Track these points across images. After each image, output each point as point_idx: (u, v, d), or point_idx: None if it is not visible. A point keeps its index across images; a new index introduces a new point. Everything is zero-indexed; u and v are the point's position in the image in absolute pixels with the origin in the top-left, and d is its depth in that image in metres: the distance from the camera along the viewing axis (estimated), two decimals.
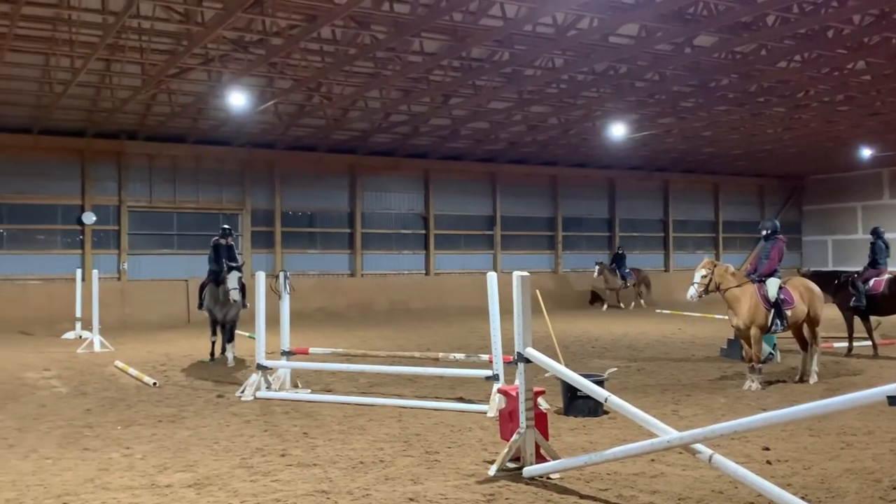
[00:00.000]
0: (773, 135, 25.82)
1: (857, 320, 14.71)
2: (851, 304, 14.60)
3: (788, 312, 11.07)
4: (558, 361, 7.90)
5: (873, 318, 14.71)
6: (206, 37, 14.22)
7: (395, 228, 28.10)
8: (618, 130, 22.91)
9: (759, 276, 11.17)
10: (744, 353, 12.21)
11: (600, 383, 8.00)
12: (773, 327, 10.96)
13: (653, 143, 26.46)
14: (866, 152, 28.68)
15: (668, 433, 5.78)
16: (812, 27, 14.67)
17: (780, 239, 11.57)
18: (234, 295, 13.44)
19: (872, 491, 6.06)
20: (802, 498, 5.36)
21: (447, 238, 28.97)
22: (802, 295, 11.35)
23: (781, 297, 10.98)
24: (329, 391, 10.99)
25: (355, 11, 13.51)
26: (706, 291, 10.96)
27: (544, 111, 21.77)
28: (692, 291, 10.91)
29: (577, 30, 14.59)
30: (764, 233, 11.76)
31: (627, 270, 28.50)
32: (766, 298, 10.88)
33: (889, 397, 4.42)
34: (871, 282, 14.59)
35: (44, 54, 16.47)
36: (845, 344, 14.61)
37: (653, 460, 6.90)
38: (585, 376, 7.33)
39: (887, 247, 15.34)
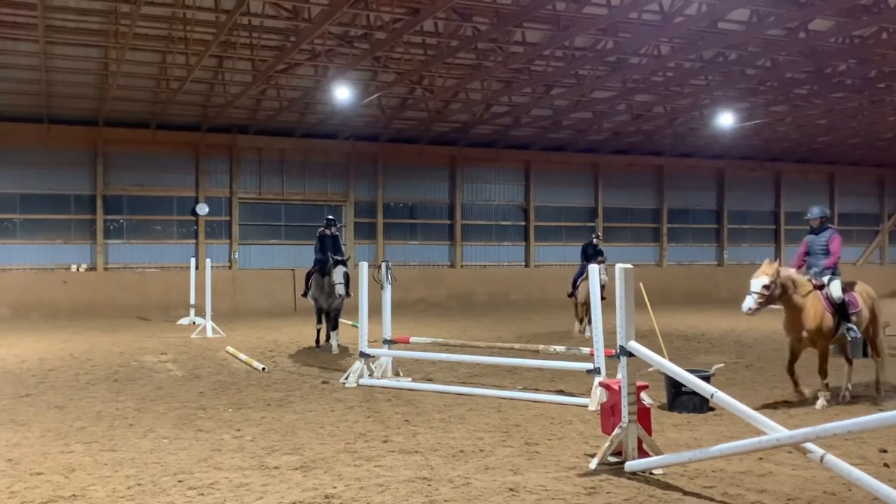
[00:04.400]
0: (894, 122, 24.46)
1: None
2: None
3: (854, 318, 9.43)
4: (662, 356, 7.75)
5: None
6: (313, 32, 14.57)
7: (494, 220, 28.12)
8: (727, 119, 22.19)
9: (822, 273, 9.48)
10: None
11: (706, 379, 7.79)
12: (850, 334, 9.37)
13: (764, 131, 25.53)
14: None
15: (777, 431, 5.59)
16: None
17: (834, 229, 9.88)
18: (340, 290, 13.74)
19: None
20: None
21: (547, 230, 28.78)
22: (865, 300, 9.77)
23: (847, 299, 9.40)
24: (429, 380, 11.12)
25: (458, 3, 13.58)
26: (768, 302, 9.09)
27: (649, 100, 21.31)
28: (750, 303, 8.92)
29: (684, 16, 14.21)
30: (815, 223, 9.81)
31: None
32: (830, 302, 9.29)
33: None
34: None
35: (161, 52, 17.27)
36: None
37: (761, 459, 6.69)
38: (691, 372, 7.17)
39: None
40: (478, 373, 11.63)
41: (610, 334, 7.77)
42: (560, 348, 10.51)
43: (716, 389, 6.25)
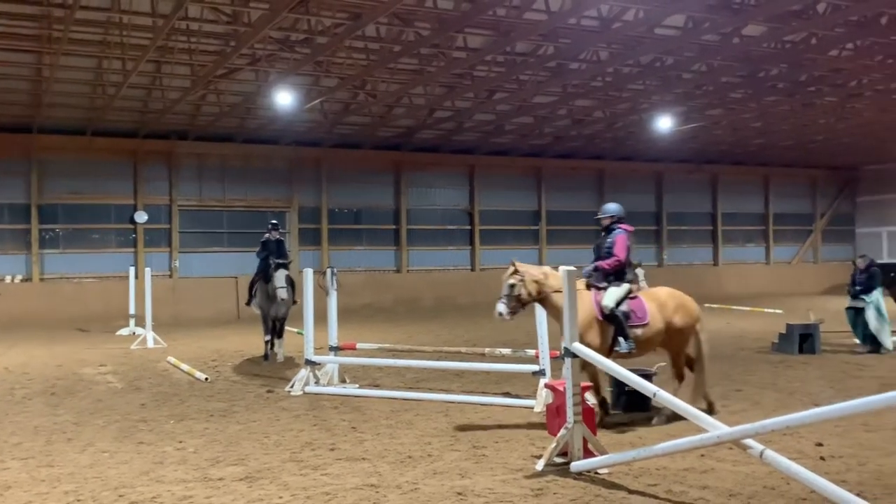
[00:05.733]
0: (825, 125, 25.27)
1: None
2: None
3: (639, 331, 8.35)
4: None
5: None
6: (253, 37, 14.42)
7: (440, 224, 28.18)
8: (664, 123, 22.65)
9: (593, 275, 8.59)
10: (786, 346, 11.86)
11: (648, 378, 7.92)
12: (617, 348, 8.31)
13: (701, 135, 26.10)
14: None
15: (718, 428, 5.71)
16: (864, 14, 14.33)
17: (624, 229, 8.78)
18: (282, 293, 13.47)
19: None
20: (857, 495, 5.24)
21: (492, 233, 28.95)
22: (662, 310, 8.58)
23: (628, 308, 8.37)
24: (377, 386, 11.08)
25: (399, 9, 13.59)
26: (521, 305, 8.26)
27: (590, 105, 21.62)
28: (500, 308, 8.13)
29: (622, 22, 14.47)
30: (605, 221, 8.92)
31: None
32: (601, 308, 8.28)
33: None
34: None
35: (96, 57, 16.88)
36: None
37: (703, 455, 6.83)
38: (633, 371, 7.28)
39: None
40: (425, 377, 11.63)
41: (555, 336, 7.85)
42: (506, 351, 10.57)
43: (658, 388, 6.37)
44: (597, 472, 6.41)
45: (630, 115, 22.83)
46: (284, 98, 18.31)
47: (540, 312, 9.07)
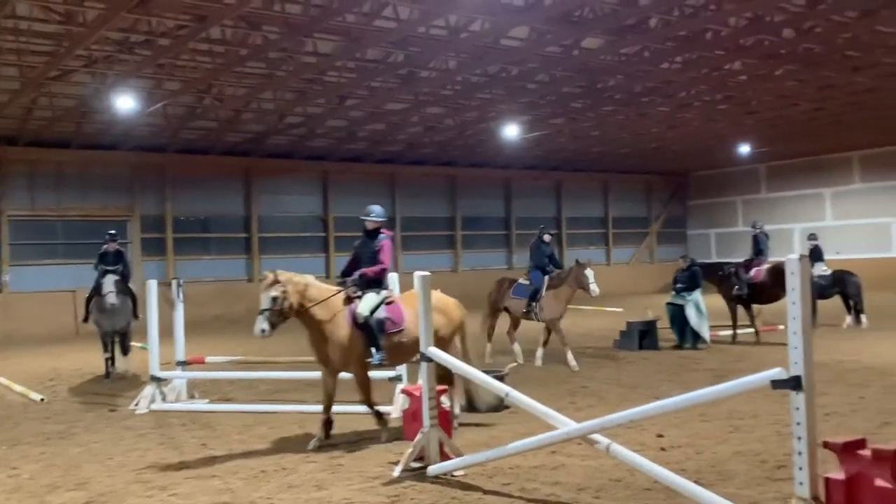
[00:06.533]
0: (658, 133, 26.83)
1: (740, 309, 15.46)
2: (734, 293, 15.37)
3: (394, 339, 8.02)
4: (460, 359, 7.99)
5: (755, 307, 15.49)
6: (89, 38, 13.67)
7: (294, 232, 27.71)
8: (511, 131, 23.32)
9: (359, 282, 8.12)
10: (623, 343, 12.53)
11: (501, 379, 8.12)
12: (368, 359, 7.95)
13: (545, 143, 27.05)
14: (744, 149, 30.16)
15: (566, 425, 5.94)
16: (692, 29, 15.33)
17: (389, 235, 8.49)
18: (111, 298, 12.58)
19: (759, 472, 6.38)
20: (695, 482, 5.58)
21: (348, 240, 28.48)
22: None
23: (384, 315, 8.00)
24: (228, 400, 10.76)
25: (246, 12, 13.28)
26: (284, 319, 7.70)
27: (440, 112, 21.94)
28: (262, 324, 7.49)
29: (469, 32, 14.78)
30: (370, 225, 8.46)
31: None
32: (356, 317, 7.88)
33: (773, 381, 4.68)
34: (753, 271, 15.39)
35: None
36: (730, 332, 15.32)
37: (553, 452, 7.06)
38: (486, 373, 7.45)
39: (767, 238, 16.23)
40: (279, 389, 11.40)
41: None
42: None
43: (510, 388, 6.55)
44: (453, 475, 6.50)
45: (479, 123, 23.36)
46: (124, 102, 17.46)
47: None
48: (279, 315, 7.62)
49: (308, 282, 7.92)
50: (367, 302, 7.99)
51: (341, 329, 7.84)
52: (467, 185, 31.89)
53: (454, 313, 8.60)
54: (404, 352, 8.21)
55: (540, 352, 13.25)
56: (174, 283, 10.90)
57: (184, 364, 10.74)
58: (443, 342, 8.17)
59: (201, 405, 10.32)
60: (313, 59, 16.34)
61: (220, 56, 15.97)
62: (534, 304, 13.17)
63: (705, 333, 14.56)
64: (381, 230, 8.44)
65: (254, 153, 26.20)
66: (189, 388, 10.86)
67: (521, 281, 13.85)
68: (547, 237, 14.17)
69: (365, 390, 8.10)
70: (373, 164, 29.16)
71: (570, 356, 12.63)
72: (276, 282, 7.65)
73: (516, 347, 13.77)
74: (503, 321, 14.27)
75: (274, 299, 7.59)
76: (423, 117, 22.50)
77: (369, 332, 7.91)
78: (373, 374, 9.95)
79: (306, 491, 6.30)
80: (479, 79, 18.48)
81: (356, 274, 8.18)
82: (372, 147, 26.99)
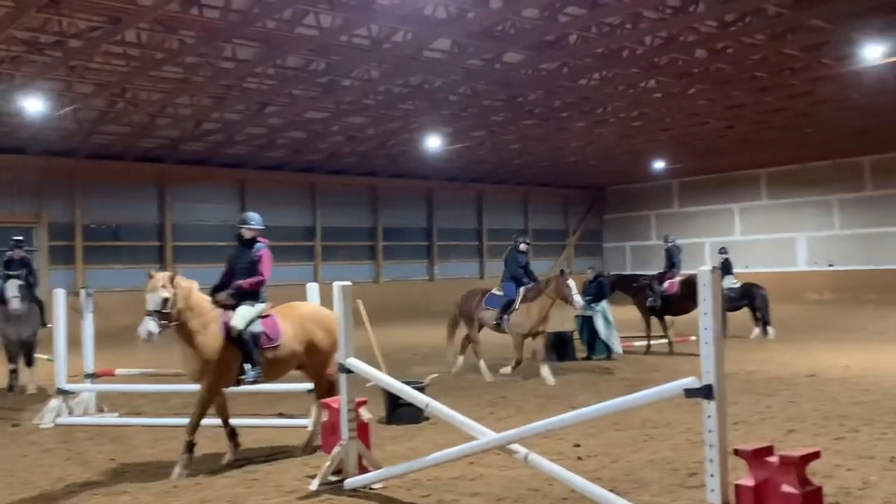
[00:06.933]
0: (576, 148, 27.37)
1: (654, 320, 15.85)
2: (648, 304, 15.76)
3: (269, 354, 7.62)
4: (381, 371, 7.94)
5: (668, 318, 15.90)
6: None
7: (209, 241, 27.01)
8: (434, 142, 23.42)
9: (237, 294, 7.64)
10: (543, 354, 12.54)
11: (421, 390, 8.10)
12: (243, 376, 7.51)
13: (467, 154, 27.25)
14: (659, 165, 31.07)
15: (486, 435, 5.95)
16: (609, 47, 15.71)
17: (267, 244, 8.07)
18: (15, 303, 12.05)
19: (672, 479, 6.53)
20: (611, 490, 5.67)
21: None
22: (299, 328, 7.87)
23: (260, 329, 7.59)
24: (139, 414, 10.41)
25: (162, 15, 12.97)
26: (169, 323, 7.20)
27: (362, 122, 21.86)
28: (150, 326, 7.04)
29: (391, 43, 14.79)
30: (247, 233, 8.01)
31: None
32: (230, 330, 7.41)
33: (686, 390, 4.80)
34: (666, 284, 15.82)
35: None
36: (644, 343, 15.69)
37: (472, 463, 7.07)
38: (407, 384, 7.42)
39: (680, 251, 16.73)
40: (192, 402, 11.06)
41: None
42: None
43: (430, 399, 6.53)
44: (371, 488, 6.44)
45: (401, 133, 23.37)
46: (33, 104, 16.79)
47: None
48: (167, 319, 7.14)
49: (193, 287, 7.49)
50: (242, 314, 7.53)
51: (214, 341, 7.35)
52: (389, 195, 31.85)
53: (331, 326, 8.00)
54: (279, 367, 7.81)
55: (545, 370, 12.29)
56: (83, 292, 10.49)
57: (92, 376, 10.34)
58: (324, 356, 7.97)
59: (110, 419, 9.96)
60: (232, 65, 16.07)
61: (134, 59, 15.53)
62: (505, 316, 12.54)
63: (615, 344, 14.84)
64: (258, 239, 8.00)
65: (169, 159, 25.55)
66: (98, 402, 10.45)
67: (494, 291, 13.08)
68: (523, 246, 13.27)
69: (203, 408, 7.45)
70: (292, 173, 28.82)
71: (544, 370, 12.12)
72: (166, 282, 7.17)
73: (460, 361, 13.18)
74: (462, 331, 13.62)
75: (165, 301, 7.11)
76: (345, 127, 22.38)
77: (244, 346, 7.46)
78: (291, 385, 9.80)
79: None
80: (402, 89, 18.50)
81: (232, 286, 7.71)
82: (292, 155, 26.67)
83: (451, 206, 33.86)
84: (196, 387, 7.71)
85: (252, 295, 7.73)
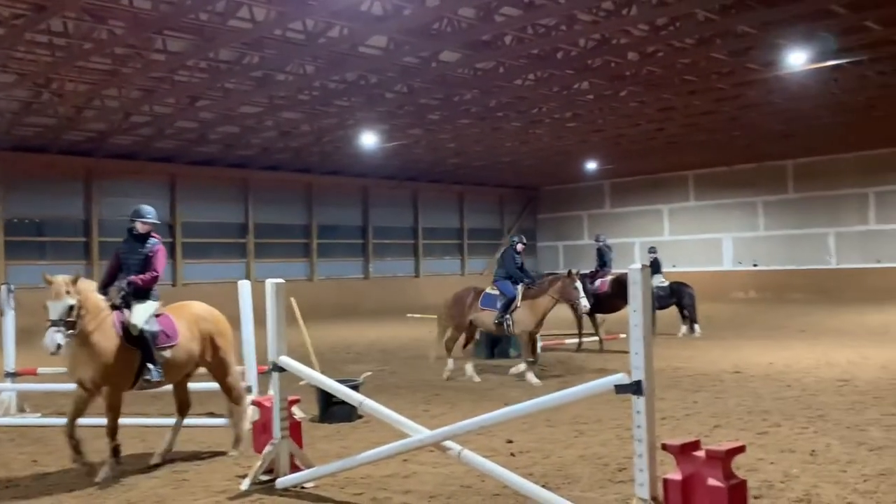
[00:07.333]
0: (511, 148, 27.58)
1: (585, 318, 16.07)
2: None
3: (168, 354, 7.27)
4: (314, 369, 7.87)
5: (599, 316, 16.15)
6: None
7: None
8: (369, 140, 23.30)
9: (128, 290, 7.22)
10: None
11: (355, 388, 8.06)
12: (147, 377, 7.14)
13: (403, 153, 27.20)
14: (591, 166, 31.55)
15: (420, 432, 5.96)
16: (544, 48, 15.88)
17: (161, 240, 7.74)
18: None
19: (602, 474, 6.64)
20: (543, 486, 5.75)
21: (197, 246, 27.79)
22: (195, 328, 7.59)
23: (158, 328, 7.21)
24: (62, 414, 10.04)
25: (89, 4, 12.61)
26: (74, 331, 6.74)
27: (297, 118, 21.60)
28: (58, 339, 6.56)
29: (327, 38, 14.65)
30: (142, 227, 7.57)
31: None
32: (128, 329, 7.03)
33: (616, 386, 4.89)
34: (597, 282, 16.07)
35: None
36: (576, 340, 15.91)
37: (405, 461, 7.06)
38: (341, 382, 7.37)
39: (611, 250, 17.01)
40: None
41: (264, 351, 7.70)
42: None
43: (364, 397, 6.50)
44: (303, 487, 6.38)
45: (337, 130, 23.18)
46: None
47: (245, 326, 8.86)
48: (73, 327, 6.66)
49: (92, 288, 7.09)
50: (140, 312, 7.13)
51: (111, 342, 6.90)
52: (324, 192, 31.60)
53: (225, 326, 7.90)
54: (178, 368, 7.45)
55: (523, 367, 12.04)
56: (4, 288, 10.16)
57: (13, 375, 10.00)
58: (222, 358, 7.78)
59: (32, 419, 9.64)
60: (162, 57, 15.70)
61: (61, 49, 15.04)
62: (507, 315, 12.12)
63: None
64: (152, 234, 7.60)
65: (96, 153, 24.82)
66: (19, 402, 10.10)
67: (488, 291, 12.59)
68: (520, 246, 12.96)
69: (116, 414, 7.05)
70: (225, 168, 28.34)
71: (530, 375, 11.77)
72: (69, 287, 6.71)
73: (469, 367, 12.42)
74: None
75: (70, 308, 6.65)
76: (279, 122, 22.09)
77: (145, 345, 7.07)
78: (210, 384, 9.60)
79: None
80: (337, 85, 18.35)
81: (125, 282, 7.26)
82: (224, 150, 26.20)
83: (386, 205, 33.78)
84: None
85: (145, 292, 7.34)
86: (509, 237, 13.11)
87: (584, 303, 12.07)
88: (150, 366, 7.11)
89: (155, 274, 7.40)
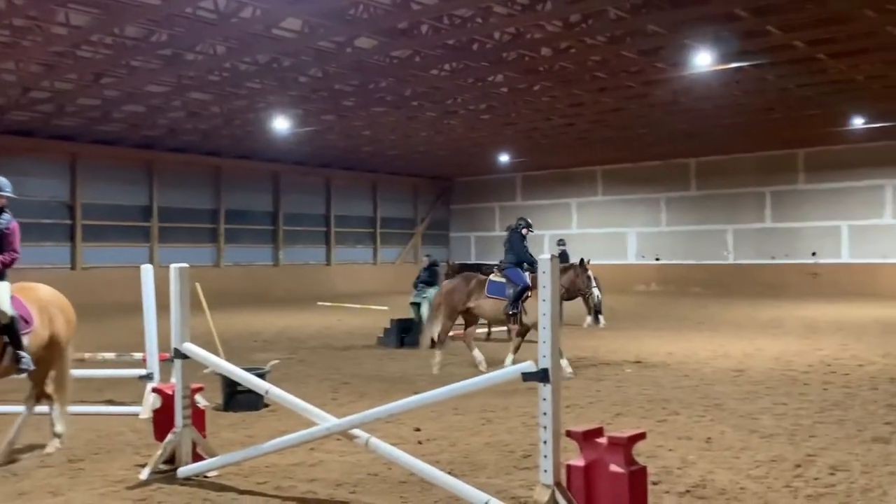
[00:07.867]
0: (426, 138, 27.60)
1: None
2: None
3: (26, 340, 6.77)
4: (219, 357, 7.70)
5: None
6: None
7: (35, 218, 25.17)
8: (281, 124, 22.92)
9: None
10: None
11: (262, 376, 7.93)
12: (21, 365, 6.76)
13: (316, 139, 26.86)
14: (503, 158, 31.90)
15: (327, 421, 5.91)
16: (460, 39, 15.93)
17: (12, 216, 7.12)
18: None
19: (508, 462, 6.74)
20: (449, 473, 5.79)
21: (97, 229, 26.78)
22: (45, 314, 7.11)
23: (15, 313, 6.70)
24: None
25: None
26: None
27: (206, 99, 21.04)
28: None
29: (239, 18, 14.31)
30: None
31: None
32: None
33: (523, 374, 4.95)
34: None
35: None
36: (485, 330, 16.08)
37: (312, 449, 7.00)
38: (247, 370, 7.23)
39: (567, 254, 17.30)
40: (11, 388, 10.31)
41: (167, 338, 7.48)
42: (109, 355, 9.82)
43: (271, 386, 6.41)
44: (206, 476, 6.25)
45: (248, 112, 22.70)
46: None
47: (148, 312, 8.61)
48: None
49: None
50: (2, 297, 6.56)
51: None
52: (233, 176, 30.92)
53: (71, 314, 7.44)
54: (34, 357, 6.89)
55: (510, 359, 11.61)
56: None
57: None
58: (61, 347, 7.28)
59: None
60: (65, 31, 15.02)
61: None
62: (520, 304, 11.47)
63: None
64: (5, 210, 6.90)
65: None
66: None
67: (492, 278, 11.88)
68: (525, 230, 12.11)
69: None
70: (129, 149, 27.38)
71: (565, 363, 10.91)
72: None
73: (477, 355, 11.97)
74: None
75: None
76: (187, 102, 21.45)
77: (13, 332, 6.54)
78: (120, 372, 9.33)
79: (40, 498, 5.77)
80: (249, 67, 17.95)
81: None
82: (128, 130, 25.29)
83: (298, 191, 33.32)
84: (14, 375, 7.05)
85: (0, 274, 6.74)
86: (516, 222, 12.34)
87: (597, 293, 11.60)
88: (21, 353, 6.65)
89: (15, 255, 6.85)
